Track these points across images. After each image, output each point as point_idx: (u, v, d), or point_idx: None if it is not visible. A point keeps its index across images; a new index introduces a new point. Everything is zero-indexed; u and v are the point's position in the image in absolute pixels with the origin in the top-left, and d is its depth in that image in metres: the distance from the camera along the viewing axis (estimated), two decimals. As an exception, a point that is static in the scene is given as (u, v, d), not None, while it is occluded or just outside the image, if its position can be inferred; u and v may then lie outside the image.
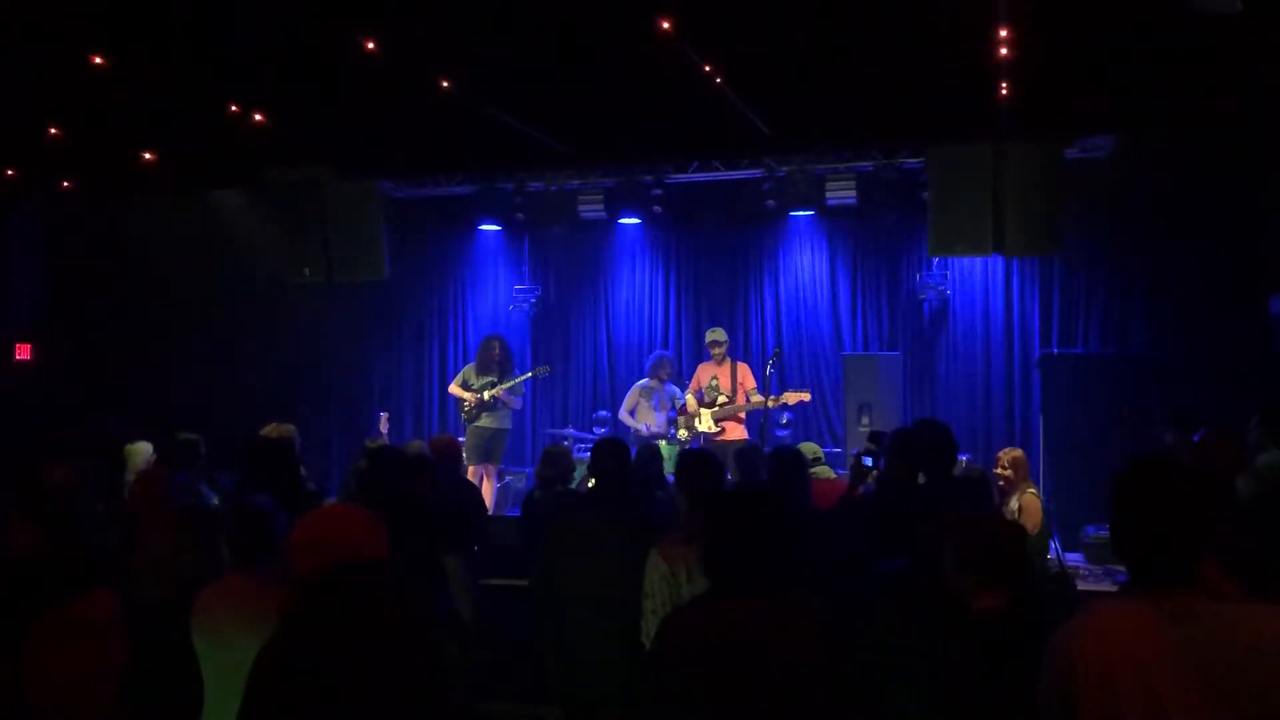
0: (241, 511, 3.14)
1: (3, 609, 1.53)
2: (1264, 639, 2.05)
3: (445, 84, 7.42)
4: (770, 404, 8.73)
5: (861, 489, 4.77)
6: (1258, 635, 2.05)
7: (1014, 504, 5.48)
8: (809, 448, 6.10)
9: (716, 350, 9.33)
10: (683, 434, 9.21)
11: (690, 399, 9.33)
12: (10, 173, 9.82)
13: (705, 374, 9.37)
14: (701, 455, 4.34)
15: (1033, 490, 5.61)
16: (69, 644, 1.53)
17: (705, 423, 9.17)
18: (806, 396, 9.00)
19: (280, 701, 2.24)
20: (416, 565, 4.09)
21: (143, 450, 6.87)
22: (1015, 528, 3.28)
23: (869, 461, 4.71)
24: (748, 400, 9.03)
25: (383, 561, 2.37)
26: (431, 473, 5.18)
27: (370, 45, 6.64)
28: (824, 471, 6.06)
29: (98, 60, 6.94)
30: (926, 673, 2.90)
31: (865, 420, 9.14)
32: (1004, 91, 7.45)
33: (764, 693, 2.53)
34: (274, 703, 2.25)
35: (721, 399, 9.15)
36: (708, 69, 7.04)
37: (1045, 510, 5.57)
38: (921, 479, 4.46)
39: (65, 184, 9.65)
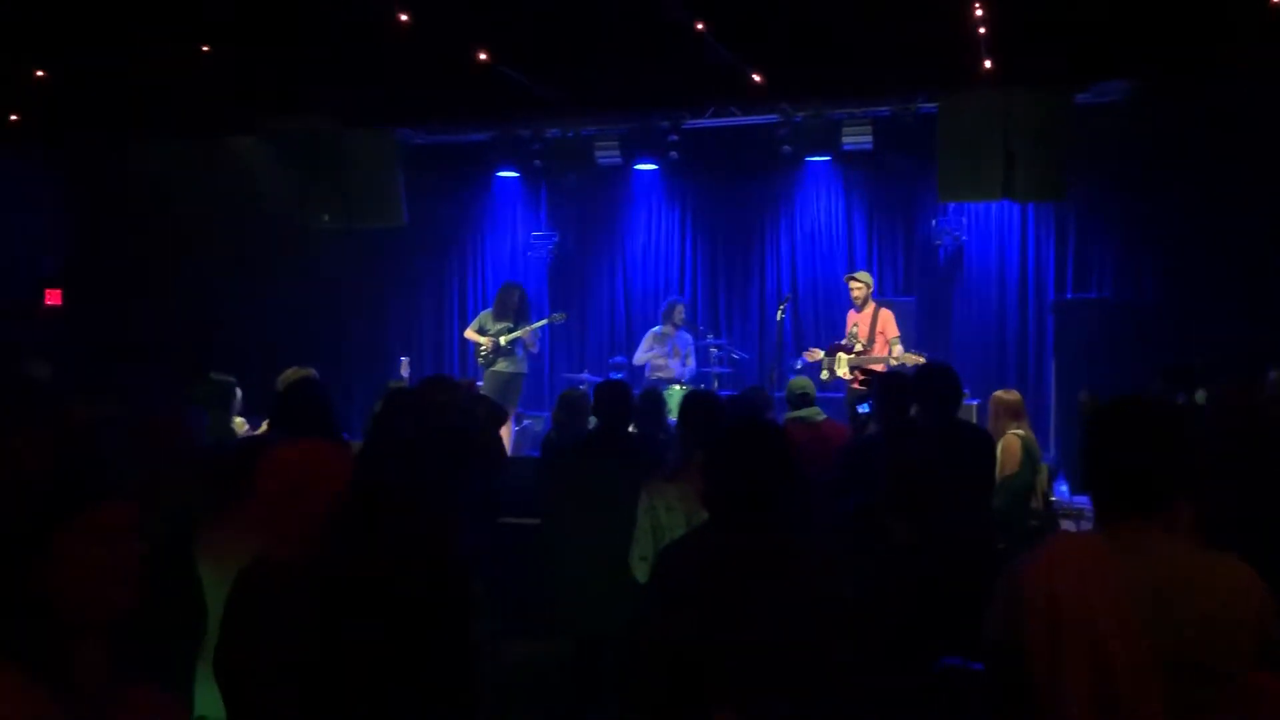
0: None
1: (29, 514, 1.67)
2: (1208, 583, 2.04)
3: (460, 34, 7.46)
4: (900, 360, 8.16)
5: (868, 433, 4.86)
6: (1198, 578, 2.05)
7: (999, 444, 5.54)
8: (799, 383, 5.90)
9: (855, 295, 8.82)
10: (824, 375, 8.76)
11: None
12: (20, 117, 9.90)
13: (849, 320, 8.91)
14: (704, 396, 4.46)
15: (1017, 430, 5.62)
16: (92, 546, 1.67)
17: (841, 368, 8.66)
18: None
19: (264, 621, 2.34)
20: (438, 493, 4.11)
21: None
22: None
23: (864, 409, 4.80)
24: (889, 351, 8.42)
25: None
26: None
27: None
28: (813, 413, 5.71)
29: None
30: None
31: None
32: (1015, 36, 7.40)
33: (761, 624, 2.55)
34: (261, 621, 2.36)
35: (858, 346, 8.68)
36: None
37: (1028, 450, 5.55)
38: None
39: (81, 128, 9.69)
